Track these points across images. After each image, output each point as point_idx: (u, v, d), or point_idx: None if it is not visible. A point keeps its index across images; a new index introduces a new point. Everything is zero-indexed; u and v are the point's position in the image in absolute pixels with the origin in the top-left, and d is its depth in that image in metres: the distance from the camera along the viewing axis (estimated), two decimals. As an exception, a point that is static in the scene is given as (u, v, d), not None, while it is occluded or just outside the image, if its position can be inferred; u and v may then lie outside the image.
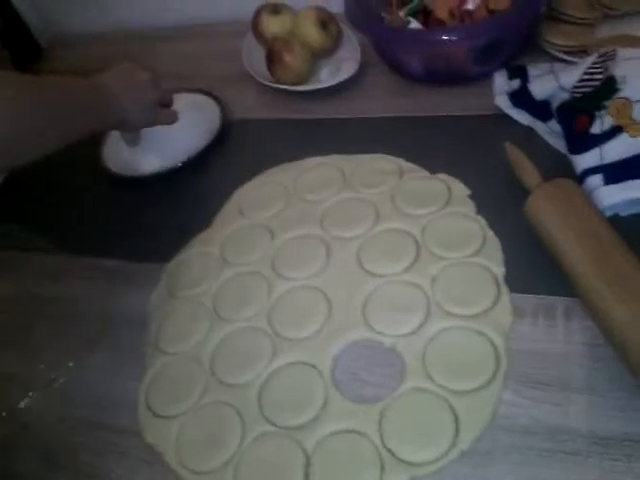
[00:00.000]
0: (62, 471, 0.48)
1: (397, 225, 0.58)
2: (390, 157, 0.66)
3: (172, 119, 0.70)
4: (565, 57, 0.69)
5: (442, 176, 0.62)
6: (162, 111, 0.68)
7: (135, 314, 0.58)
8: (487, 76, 0.70)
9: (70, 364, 0.56)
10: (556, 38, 0.70)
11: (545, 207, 0.52)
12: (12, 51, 0.95)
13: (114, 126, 0.66)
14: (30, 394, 0.54)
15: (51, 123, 0.50)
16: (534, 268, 0.52)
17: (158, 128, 0.69)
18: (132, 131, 0.69)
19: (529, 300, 0.50)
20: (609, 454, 0.41)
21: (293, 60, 0.74)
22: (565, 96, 0.61)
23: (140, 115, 0.64)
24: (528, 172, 0.56)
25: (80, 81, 0.57)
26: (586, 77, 0.61)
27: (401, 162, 0.65)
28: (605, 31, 0.69)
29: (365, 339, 0.51)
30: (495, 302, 0.50)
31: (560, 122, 0.60)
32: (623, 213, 0.53)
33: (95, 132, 0.59)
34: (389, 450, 0.43)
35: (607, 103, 0.56)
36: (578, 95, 0.60)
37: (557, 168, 0.58)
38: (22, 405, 0.54)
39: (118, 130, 0.69)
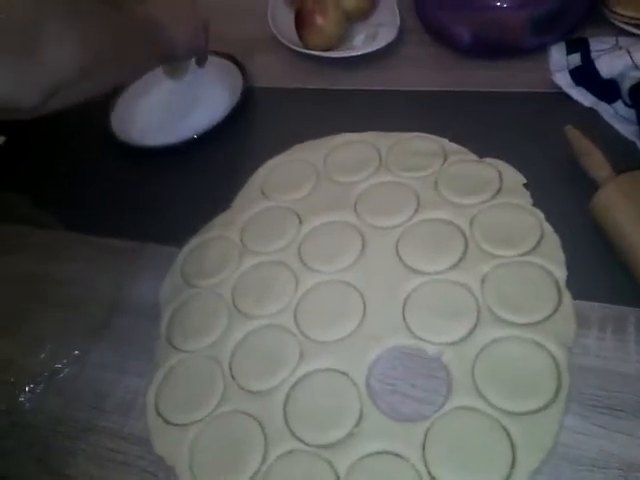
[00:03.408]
0: (59, 478, 0.43)
1: (441, 215, 0.52)
2: (432, 136, 0.59)
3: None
4: (634, 30, 0.61)
5: (492, 161, 0.55)
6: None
7: (146, 302, 0.52)
8: (542, 49, 0.63)
9: (76, 352, 0.50)
10: (624, 9, 0.62)
11: (618, 203, 0.45)
12: None
13: (162, 59, 0.60)
14: (31, 386, 0.49)
15: (116, 59, 0.47)
16: (601, 272, 0.45)
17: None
18: (182, 60, 0.63)
19: (595, 309, 0.44)
20: (694, 498, 0.35)
21: (326, 23, 0.67)
22: (638, 75, 0.54)
23: (186, 45, 0.59)
24: (596, 162, 0.49)
25: (134, 15, 0.53)
26: (664, 54, 0.53)
27: (444, 143, 0.58)
28: (680, 2, 0.61)
29: (405, 346, 0.45)
30: (555, 309, 0.44)
31: (633, 105, 0.53)
32: None
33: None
34: (435, 478, 0.38)
35: (693, 84, 0.48)
36: (653, 74, 0.53)
37: (624, 157, 0.51)
38: (22, 398, 0.48)
39: (167, 61, 0.63)
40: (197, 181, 0.62)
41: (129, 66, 0.52)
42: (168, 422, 0.44)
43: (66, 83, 0.40)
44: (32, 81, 0.37)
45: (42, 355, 0.50)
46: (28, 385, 0.48)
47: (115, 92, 0.70)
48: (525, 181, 0.53)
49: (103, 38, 0.44)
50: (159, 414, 0.44)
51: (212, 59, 0.71)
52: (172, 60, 0.61)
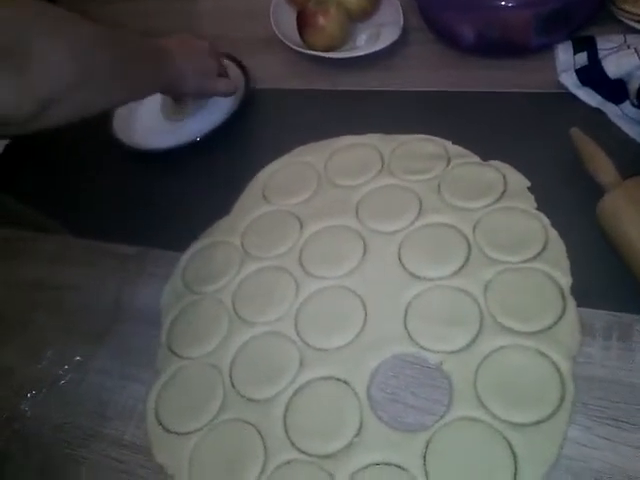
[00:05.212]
0: (60, 486, 0.44)
1: (444, 219, 0.51)
2: (435, 138, 0.58)
3: (231, 89, 0.65)
4: (642, 28, 0.60)
5: (496, 163, 0.54)
6: (221, 80, 0.64)
7: (148, 308, 0.52)
8: (548, 48, 0.62)
9: (77, 358, 0.50)
10: (632, 5, 0.61)
11: (625, 209, 0.44)
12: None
13: (167, 87, 0.61)
14: (33, 393, 0.49)
15: (115, 77, 0.48)
16: (607, 279, 0.45)
17: None
18: (182, 97, 0.65)
19: (600, 317, 0.43)
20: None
21: (328, 24, 0.66)
22: (646, 75, 0.53)
23: (195, 81, 0.60)
24: (602, 166, 0.48)
25: (145, 39, 0.55)
26: (673, 53, 0.52)
27: (448, 145, 0.57)
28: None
29: (406, 354, 0.44)
30: (560, 317, 0.43)
31: (640, 106, 0.52)
32: None
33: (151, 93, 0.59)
34: (435, 491, 0.37)
35: (703, 86, 0.47)
36: (662, 74, 0.52)
37: (631, 159, 0.50)
38: (24, 405, 0.49)
39: (168, 93, 0.64)
40: (199, 184, 0.61)
41: (131, 86, 0.51)
42: (168, 430, 0.43)
43: (58, 95, 0.40)
44: (23, 91, 0.37)
45: (43, 361, 0.50)
46: (30, 392, 0.49)
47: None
48: (529, 184, 0.52)
49: (98, 54, 0.44)
50: (159, 422, 0.44)
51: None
52: (176, 94, 0.63)
